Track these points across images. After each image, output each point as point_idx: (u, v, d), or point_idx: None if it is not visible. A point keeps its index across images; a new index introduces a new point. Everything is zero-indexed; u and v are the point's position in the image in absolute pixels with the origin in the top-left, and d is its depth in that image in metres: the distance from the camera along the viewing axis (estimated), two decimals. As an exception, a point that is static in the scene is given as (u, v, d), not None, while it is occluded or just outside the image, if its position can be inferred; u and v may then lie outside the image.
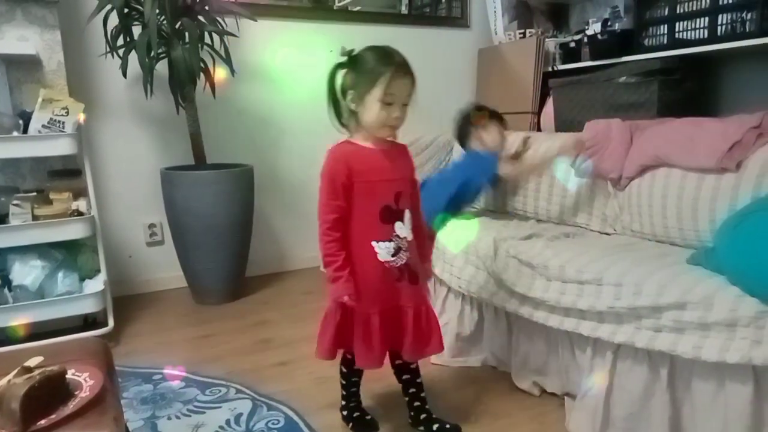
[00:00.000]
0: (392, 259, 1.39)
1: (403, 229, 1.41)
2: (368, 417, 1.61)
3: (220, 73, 2.58)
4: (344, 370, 1.58)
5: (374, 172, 1.38)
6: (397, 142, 1.48)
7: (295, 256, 3.13)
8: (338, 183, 1.35)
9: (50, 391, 0.92)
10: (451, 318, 1.96)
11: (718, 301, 1.25)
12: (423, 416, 1.55)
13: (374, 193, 1.38)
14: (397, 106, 1.33)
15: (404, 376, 1.55)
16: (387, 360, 1.47)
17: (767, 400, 1.21)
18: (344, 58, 1.37)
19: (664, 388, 1.36)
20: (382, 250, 1.39)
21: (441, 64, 3.35)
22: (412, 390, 1.55)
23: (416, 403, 1.56)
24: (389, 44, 1.39)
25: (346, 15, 3.11)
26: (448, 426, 1.53)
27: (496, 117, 2.25)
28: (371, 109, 1.33)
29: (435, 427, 1.53)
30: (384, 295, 1.40)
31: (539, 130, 2.88)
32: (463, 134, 2.26)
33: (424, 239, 1.53)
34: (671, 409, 1.36)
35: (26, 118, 2.12)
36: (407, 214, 1.42)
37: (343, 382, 1.60)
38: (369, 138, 1.40)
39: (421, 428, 1.55)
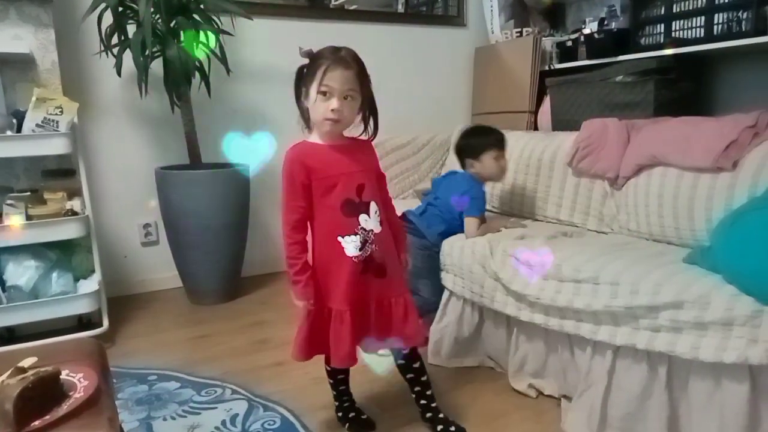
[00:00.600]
0: (359, 253, 1.38)
1: (369, 221, 1.40)
2: (364, 416, 1.61)
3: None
4: (328, 368, 1.58)
5: (331, 167, 1.38)
6: (360, 139, 1.46)
7: (292, 256, 3.11)
8: (297, 183, 1.37)
9: (44, 392, 0.91)
10: (450, 321, 1.95)
11: (715, 300, 1.25)
12: (429, 414, 1.55)
13: (334, 188, 1.38)
14: (336, 99, 1.31)
15: (408, 375, 1.54)
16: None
17: (763, 399, 1.22)
18: (306, 60, 1.38)
19: (662, 387, 1.36)
20: (349, 245, 1.38)
21: (437, 63, 3.35)
22: (417, 388, 1.54)
23: (422, 401, 1.55)
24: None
25: (342, 14, 3.10)
26: (452, 429, 1.52)
27: (498, 144, 2.08)
28: (311, 101, 1.34)
29: (439, 428, 1.53)
30: (355, 293, 1.39)
31: (536, 129, 2.88)
32: (460, 156, 2.14)
33: (398, 232, 1.53)
34: (668, 408, 1.36)
35: (20, 117, 2.10)
36: (373, 206, 1.41)
37: (331, 381, 1.60)
38: (324, 136, 1.40)
39: (427, 424, 1.56)
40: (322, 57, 1.33)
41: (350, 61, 1.33)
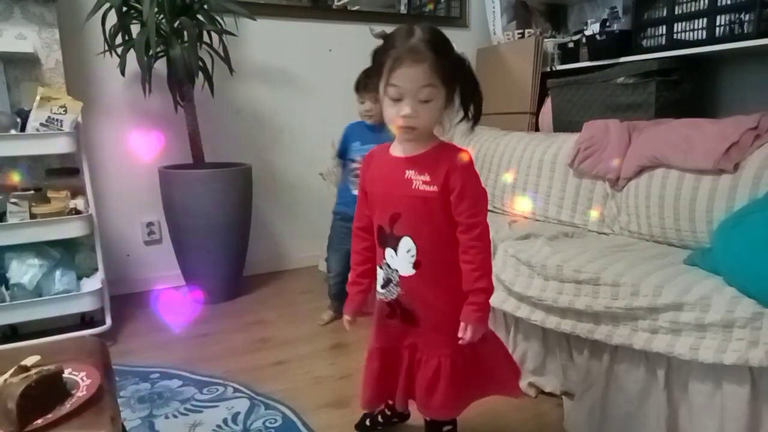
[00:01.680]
0: (381, 290, 1.21)
1: (394, 260, 1.17)
2: (367, 423, 1.55)
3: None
4: None
5: (378, 183, 1.19)
6: (446, 144, 1.17)
7: (293, 256, 3.13)
8: (362, 188, 1.24)
9: (47, 391, 0.92)
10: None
11: (715, 302, 1.25)
12: None
13: (375, 208, 1.20)
14: (408, 102, 1.06)
15: None
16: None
17: (764, 401, 1.22)
18: (380, 41, 1.13)
19: (661, 388, 1.37)
20: (378, 277, 1.23)
21: (440, 63, 3.35)
22: None
23: None
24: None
25: (344, 14, 3.11)
26: None
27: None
28: (383, 104, 1.12)
29: None
30: (383, 334, 1.26)
31: (537, 130, 2.88)
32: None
33: (464, 278, 1.15)
34: (668, 409, 1.36)
35: (24, 116, 2.11)
36: (406, 244, 1.16)
37: None
38: (401, 141, 1.18)
39: None
40: (390, 45, 1.07)
41: (423, 50, 1.04)
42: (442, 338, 1.19)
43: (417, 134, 1.12)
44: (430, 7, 3.40)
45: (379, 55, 1.10)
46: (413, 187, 1.14)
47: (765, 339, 1.18)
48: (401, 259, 1.17)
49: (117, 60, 2.37)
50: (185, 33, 2.35)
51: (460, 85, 1.13)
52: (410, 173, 1.14)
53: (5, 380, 0.90)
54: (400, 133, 1.12)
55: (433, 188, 1.13)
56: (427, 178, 1.13)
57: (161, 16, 2.32)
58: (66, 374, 0.98)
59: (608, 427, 1.48)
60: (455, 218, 1.14)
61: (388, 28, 1.16)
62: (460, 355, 1.20)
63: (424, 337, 1.22)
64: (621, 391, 1.45)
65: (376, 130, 2.09)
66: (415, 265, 1.16)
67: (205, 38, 2.50)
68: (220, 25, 2.52)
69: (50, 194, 2.17)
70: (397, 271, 1.19)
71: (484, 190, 1.17)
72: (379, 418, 1.55)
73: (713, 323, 1.24)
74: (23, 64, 2.25)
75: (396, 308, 1.22)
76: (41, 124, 2.09)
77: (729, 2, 2.08)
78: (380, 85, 1.10)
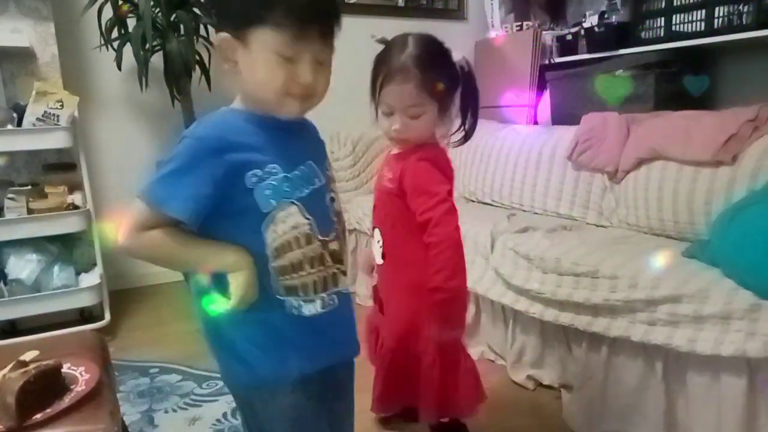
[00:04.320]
0: (378, 262, 1.28)
1: (375, 247, 1.26)
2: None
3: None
4: None
5: (380, 176, 1.28)
6: (421, 146, 1.19)
7: (292, 250, 3.12)
8: None
9: (46, 385, 0.92)
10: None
11: (713, 294, 1.25)
12: None
13: None
14: (398, 118, 1.12)
15: None
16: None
17: (761, 392, 1.22)
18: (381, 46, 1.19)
19: (659, 380, 1.37)
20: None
21: (438, 56, 3.33)
22: None
23: None
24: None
25: (342, 7, 3.09)
26: None
27: None
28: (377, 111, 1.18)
29: None
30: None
31: (536, 123, 2.88)
32: None
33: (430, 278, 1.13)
34: (666, 401, 1.37)
35: (20, 111, 2.10)
36: (376, 234, 1.26)
37: None
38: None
39: None
40: (383, 60, 1.13)
41: (411, 68, 1.09)
42: (393, 330, 1.25)
43: (411, 144, 1.19)
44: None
45: (374, 66, 1.15)
46: (383, 182, 1.24)
47: (762, 330, 1.18)
48: (376, 248, 1.26)
49: (113, 54, 2.35)
50: (182, 26, 2.34)
51: (460, 94, 1.19)
52: (385, 170, 1.25)
53: (4, 375, 0.90)
54: (395, 144, 1.20)
55: (393, 186, 1.20)
56: (390, 175, 1.21)
57: (157, 9, 2.31)
58: (65, 369, 0.98)
59: (606, 419, 1.48)
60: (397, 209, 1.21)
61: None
62: (401, 354, 1.24)
63: (384, 326, 1.29)
64: (619, 383, 1.46)
65: None
66: (383, 256, 1.25)
67: (202, 31, 2.49)
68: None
69: (48, 189, 2.16)
70: (375, 258, 1.29)
71: (436, 185, 1.15)
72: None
73: (711, 315, 1.24)
74: (19, 59, 2.24)
75: (376, 294, 1.32)
76: (38, 119, 2.08)
77: (727, -7, 2.08)
78: (375, 95, 1.15)
